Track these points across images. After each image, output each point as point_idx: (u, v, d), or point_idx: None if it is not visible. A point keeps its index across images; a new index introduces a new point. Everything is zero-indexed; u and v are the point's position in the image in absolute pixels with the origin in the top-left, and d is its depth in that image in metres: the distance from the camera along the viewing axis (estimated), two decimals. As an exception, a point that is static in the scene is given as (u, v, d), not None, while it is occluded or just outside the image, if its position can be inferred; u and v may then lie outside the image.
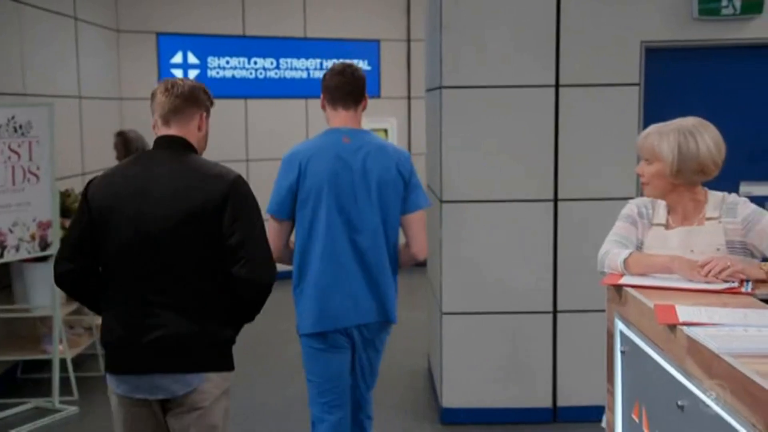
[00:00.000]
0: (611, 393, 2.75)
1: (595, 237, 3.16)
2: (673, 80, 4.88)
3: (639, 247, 2.88)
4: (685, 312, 2.18)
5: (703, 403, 1.95)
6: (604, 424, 3.06)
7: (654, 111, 4.64)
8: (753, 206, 2.86)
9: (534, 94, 4.87)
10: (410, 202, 3.58)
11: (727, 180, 4.42)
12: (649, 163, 2.85)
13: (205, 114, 2.91)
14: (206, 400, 2.79)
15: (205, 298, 2.75)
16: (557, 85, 4.86)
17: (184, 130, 2.85)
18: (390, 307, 3.68)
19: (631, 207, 2.98)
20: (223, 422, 2.86)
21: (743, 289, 2.48)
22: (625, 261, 2.72)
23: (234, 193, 2.74)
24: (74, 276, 2.83)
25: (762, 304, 2.34)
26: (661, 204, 2.92)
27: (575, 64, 4.85)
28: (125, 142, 6.13)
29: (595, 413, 4.70)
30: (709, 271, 2.54)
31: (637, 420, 2.49)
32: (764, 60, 4.95)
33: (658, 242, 2.86)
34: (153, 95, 2.86)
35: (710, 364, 1.89)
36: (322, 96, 3.62)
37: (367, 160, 3.50)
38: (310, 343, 3.58)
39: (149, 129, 3.00)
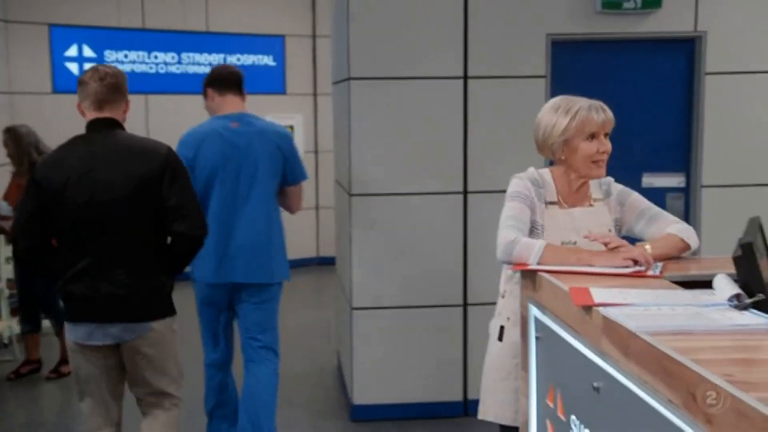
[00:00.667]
0: (525, 380, 2.73)
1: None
2: (578, 72, 4.93)
3: (539, 229, 2.82)
4: (599, 293, 2.16)
5: (619, 383, 1.93)
6: (480, 416, 3.06)
7: (560, 103, 4.67)
8: (620, 185, 2.97)
9: (443, 86, 4.85)
10: (290, 176, 4.22)
11: (629, 171, 4.53)
12: (607, 138, 2.84)
13: (128, 101, 3.38)
14: (154, 344, 3.27)
15: (149, 254, 3.22)
16: (465, 77, 4.86)
17: (115, 113, 3.29)
18: (275, 269, 4.22)
19: (523, 184, 2.88)
20: (171, 362, 3.37)
21: (651, 272, 2.49)
22: (540, 259, 2.60)
23: (170, 162, 3.23)
24: (34, 251, 3.24)
25: (672, 284, 2.35)
26: (548, 180, 2.89)
27: (483, 56, 4.85)
28: (16, 138, 5.81)
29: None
30: (616, 244, 2.56)
31: (551, 405, 2.47)
32: (663, 53, 5.06)
33: (555, 223, 2.83)
34: (83, 82, 3.25)
35: (627, 343, 1.87)
36: (208, 93, 4.22)
37: (252, 141, 4.10)
38: (201, 291, 4.18)
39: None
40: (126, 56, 8.81)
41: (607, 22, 4.91)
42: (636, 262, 2.51)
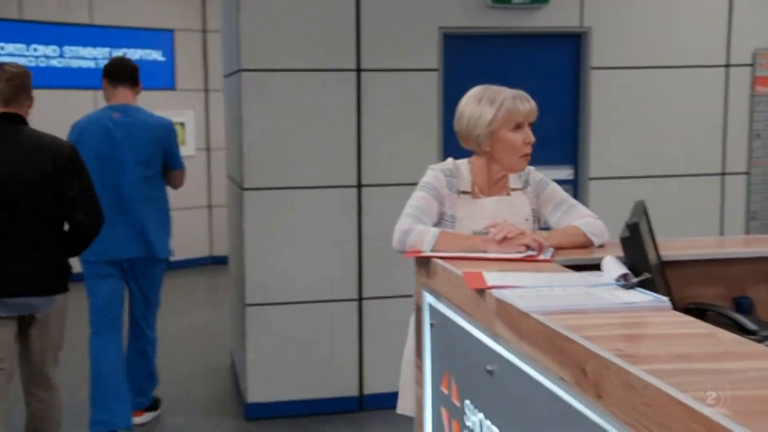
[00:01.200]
0: (420, 368, 2.71)
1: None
2: (470, 66, 4.98)
3: (451, 220, 2.79)
4: (492, 277, 2.16)
5: (512, 364, 1.93)
6: (399, 410, 3.02)
7: (453, 96, 4.69)
8: (540, 174, 2.93)
9: (336, 78, 4.81)
10: (170, 163, 4.68)
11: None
12: (531, 129, 2.79)
13: (32, 97, 3.67)
14: (54, 316, 3.65)
15: (54, 238, 3.57)
16: (359, 70, 4.83)
17: (21, 110, 3.59)
18: (155, 246, 4.58)
19: (435, 175, 2.81)
20: (61, 332, 3.76)
21: (542, 257, 2.51)
22: (434, 246, 2.58)
23: (72, 156, 3.57)
24: None
25: (563, 268, 2.38)
26: (464, 171, 2.85)
27: (376, 49, 4.84)
28: None
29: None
30: (500, 236, 2.51)
31: (446, 392, 2.46)
32: (552, 48, 5.16)
33: (468, 212, 2.77)
34: None
35: (519, 324, 1.87)
36: (104, 83, 4.58)
37: (131, 132, 4.49)
38: (89, 270, 4.49)
39: None
40: (2, 48, 8.38)
41: (498, 16, 4.97)
42: (528, 248, 2.52)
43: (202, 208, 9.64)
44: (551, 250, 2.59)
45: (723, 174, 5.38)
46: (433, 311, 2.58)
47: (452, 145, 4.74)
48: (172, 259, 4.88)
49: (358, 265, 4.94)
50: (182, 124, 9.13)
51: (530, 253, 2.51)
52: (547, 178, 2.94)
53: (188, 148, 9.06)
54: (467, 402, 2.27)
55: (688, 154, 5.30)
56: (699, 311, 2.43)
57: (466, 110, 2.81)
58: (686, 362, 1.44)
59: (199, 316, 7.49)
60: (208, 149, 9.68)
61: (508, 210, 2.80)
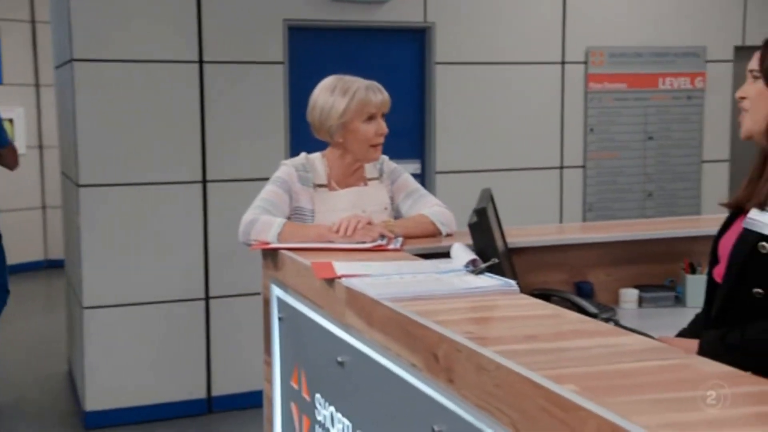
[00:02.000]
0: (269, 364, 2.63)
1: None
2: (316, 59, 4.93)
3: (308, 214, 2.74)
4: (342, 266, 2.12)
5: (363, 354, 1.89)
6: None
7: (299, 89, 4.65)
8: (393, 164, 2.94)
9: (177, 70, 4.64)
10: None
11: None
12: (383, 120, 2.77)
13: None
14: None
15: None
16: (201, 62, 4.68)
17: None
18: None
19: (287, 170, 2.76)
20: None
21: (392, 246, 2.50)
22: (279, 234, 2.55)
23: None
24: None
25: (413, 256, 2.37)
26: (317, 165, 2.81)
27: (219, 41, 4.70)
28: None
29: (251, 399, 4.63)
30: (346, 230, 2.51)
31: (296, 386, 2.40)
32: (397, 43, 5.19)
33: (327, 205, 2.74)
34: None
35: (370, 312, 1.83)
36: None
37: None
38: None
39: None
40: None
41: (343, 10, 4.94)
42: (379, 237, 2.50)
43: (35, 209, 9.11)
44: (400, 239, 2.58)
45: (561, 167, 5.58)
46: (281, 304, 2.51)
47: (300, 139, 4.70)
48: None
49: (205, 264, 4.78)
50: (11, 121, 8.58)
51: (379, 242, 2.49)
52: (400, 167, 2.95)
53: (19, 146, 8.48)
54: (318, 396, 2.22)
55: (529, 148, 5.46)
56: (544, 296, 2.47)
57: (318, 100, 2.77)
58: (535, 342, 1.45)
59: (34, 321, 7.08)
60: (40, 147, 9.15)
61: (367, 200, 2.78)
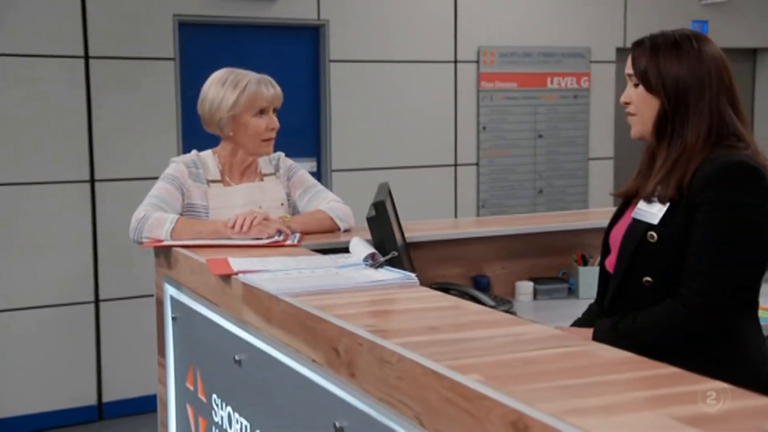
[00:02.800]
0: (163, 366, 2.55)
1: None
2: (208, 56, 4.83)
3: (202, 210, 2.67)
4: (238, 262, 2.07)
5: (262, 351, 1.85)
6: None
7: (191, 87, 4.53)
8: (290, 161, 2.92)
9: (61, 65, 4.47)
10: None
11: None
12: (275, 114, 2.74)
13: None
14: None
15: None
16: (87, 57, 4.51)
17: None
18: None
19: (178, 168, 2.69)
20: None
21: (289, 242, 2.47)
22: (172, 231, 2.48)
23: None
24: None
25: (311, 251, 2.33)
26: (209, 161, 2.75)
27: (105, 35, 4.55)
28: None
29: (145, 404, 4.50)
30: (242, 225, 2.46)
31: (191, 388, 2.33)
32: (292, 40, 5.14)
33: (222, 201, 2.68)
34: None
35: (269, 309, 1.79)
36: None
37: None
38: None
39: None
40: None
41: (235, 6, 4.86)
42: (278, 232, 2.47)
43: None
44: (297, 235, 2.55)
45: (455, 165, 5.64)
46: (175, 303, 2.44)
47: (193, 137, 4.59)
48: None
49: (94, 266, 4.62)
50: None
51: (276, 238, 2.45)
52: (296, 164, 2.92)
53: None
54: (214, 396, 2.16)
55: (424, 146, 5.50)
56: (442, 290, 2.48)
57: (209, 93, 2.72)
58: (437, 333, 1.44)
59: None
60: None
61: (262, 195, 2.74)
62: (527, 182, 5.92)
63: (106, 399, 4.68)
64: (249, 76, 2.71)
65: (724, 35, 5.94)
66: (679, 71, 1.93)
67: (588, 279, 2.82)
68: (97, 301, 4.64)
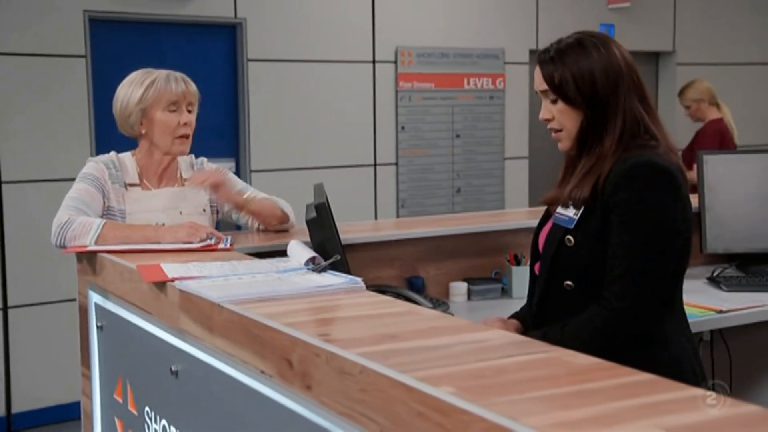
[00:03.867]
0: (87, 377, 2.43)
1: (47, 221, 2.57)
2: (122, 53, 4.67)
3: (119, 214, 2.55)
4: (172, 268, 1.97)
5: (202, 362, 1.76)
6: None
7: (104, 86, 4.37)
8: (214, 165, 2.85)
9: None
10: None
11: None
12: (191, 112, 2.65)
13: None
14: None
15: None
16: (-9, 52, 4.30)
17: None
18: None
19: (97, 167, 2.58)
20: None
21: (222, 245, 2.38)
22: (98, 237, 2.36)
23: None
24: None
25: (246, 256, 2.26)
26: (127, 163, 2.64)
27: (10, 30, 4.34)
28: None
29: (59, 413, 4.31)
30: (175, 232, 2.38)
31: (120, 400, 2.22)
32: (209, 38, 5.02)
33: (141, 205, 2.58)
34: None
35: (210, 317, 1.71)
36: None
37: None
38: None
39: None
40: None
41: (150, 3, 4.71)
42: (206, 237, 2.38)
43: None
44: (229, 238, 2.46)
45: (375, 165, 5.61)
46: (101, 311, 2.32)
47: (108, 137, 4.40)
48: None
49: (2, 271, 4.39)
50: None
51: (208, 242, 2.36)
52: (223, 167, 2.83)
53: None
54: (147, 409, 2.06)
55: (344, 146, 5.45)
56: (378, 292, 2.43)
57: (120, 93, 2.66)
58: (397, 342, 1.39)
59: None
60: None
61: (183, 201, 2.64)
62: (445, 182, 5.94)
63: (15, 410, 4.46)
64: (158, 74, 2.64)
65: (629, 38, 6.08)
66: (593, 68, 1.91)
67: (521, 278, 2.82)
68: (5, 308, 4.42)
